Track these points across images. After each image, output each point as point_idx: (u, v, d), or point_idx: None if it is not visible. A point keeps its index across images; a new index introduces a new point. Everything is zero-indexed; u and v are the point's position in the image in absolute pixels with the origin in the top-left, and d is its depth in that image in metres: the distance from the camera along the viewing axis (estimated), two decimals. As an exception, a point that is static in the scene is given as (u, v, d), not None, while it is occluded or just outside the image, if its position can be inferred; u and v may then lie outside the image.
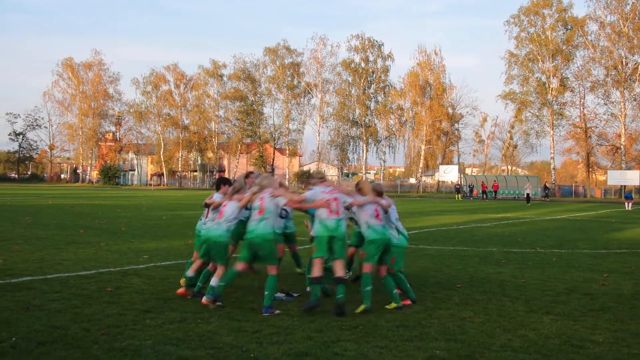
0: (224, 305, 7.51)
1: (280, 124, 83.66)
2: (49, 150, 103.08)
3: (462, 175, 73.05)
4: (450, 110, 79.62)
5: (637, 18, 63.95)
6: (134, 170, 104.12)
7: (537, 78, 71.20)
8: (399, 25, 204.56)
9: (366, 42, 78.14)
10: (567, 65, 70.17)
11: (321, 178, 8.30)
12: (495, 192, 60.89)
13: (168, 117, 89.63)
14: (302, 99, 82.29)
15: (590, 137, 70.66)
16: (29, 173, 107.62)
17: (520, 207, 40.46)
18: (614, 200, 61.40)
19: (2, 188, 61.36)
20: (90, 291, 8.27)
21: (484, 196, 60.44)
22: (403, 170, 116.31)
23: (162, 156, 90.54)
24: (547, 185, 63.49)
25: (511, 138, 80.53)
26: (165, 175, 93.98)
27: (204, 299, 7.50)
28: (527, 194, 45.76)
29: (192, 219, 19.20)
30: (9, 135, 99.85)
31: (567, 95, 71.04)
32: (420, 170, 79.92)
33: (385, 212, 7.97)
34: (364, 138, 79.05)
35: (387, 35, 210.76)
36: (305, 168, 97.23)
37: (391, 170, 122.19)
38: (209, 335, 6.16)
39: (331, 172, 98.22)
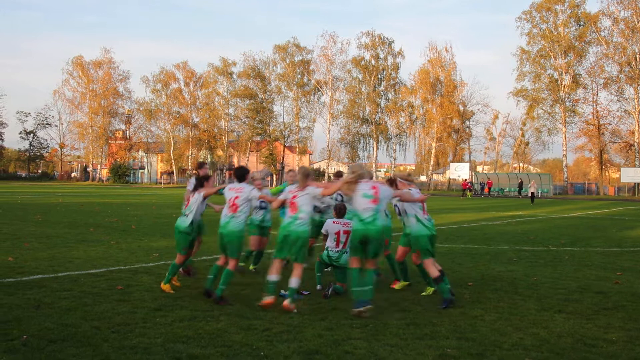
0: (232, 303, 7.52)
1: (290, 122, 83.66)
2: (59, 149, 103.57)
3: (473, 173, 72.80)
4: (461, 108, 79.32)
5: (650, 14, 63.38)
6: (144, 168, 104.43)
7: (549, 75, 70.77)
8: (409, 21, 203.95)
9: (376, 39, 77.96)
10: (580, 61, 69.65)
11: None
12: (490, 188, 60.91)
13: (178, 115, 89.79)
14: (312, 97, 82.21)
15: (603, 134, 70.13)
16: (40, 171, 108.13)
17: (526, 205, 40.14)
18: (628, 197, 60.93)
19: (13, 186, 61.84)
20: (100, 289, 8.29)
21: (462, 194, 58.78)
22: (414, 168, 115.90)
23: (172, 154, 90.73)
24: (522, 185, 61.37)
25: (523, 135, 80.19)
26: (175, 174, 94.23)
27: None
28: (532, 193, 44.17)
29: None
30: (20, 133, 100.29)
31: (579, 92, 70.59)
32: (431, 168, 79.69)
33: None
34: (374, 136, 78.89)
35: (398, 32, 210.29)
36: (316, 166, 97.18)
37: (402, 168, 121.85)
38: (219, 334, 6.16)
39: (341, 170, 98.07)
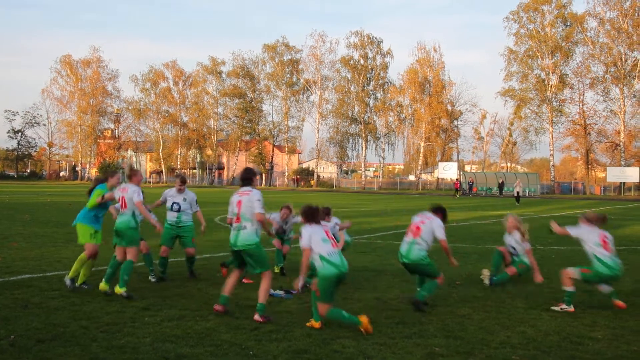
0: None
1: (279, 121, 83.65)
2: (47, 148, 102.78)
3: (461, 172, 73.08)
4: (449, 107, 79.58)
5: (636, 14, 63.89)
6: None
7: (536, 75, 71.18)
8: (398, 21, 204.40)
9: (365, 39, 78.06)
10: (567, 61, 70.14)
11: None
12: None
13: (167, 114, 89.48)
14: (301, 96, 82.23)
15: (589, 133, 70.63)
16: (28, 171, 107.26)
17: (512, 204, 40.34)
18: (613, 197, 61.42)
19: (0, 186, 61.31)
20: (89, 289, 8.26)
21: (455, 194, 58.66)
22: (402, 167, 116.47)
23: (161, 153, 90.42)
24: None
25: (510, 135, 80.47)
26: (164, 173, 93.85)
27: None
28: (517, 192, 43.85)
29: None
30: (8, 132, 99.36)
31: (566, 92, 71.10)
32: (419, 168, 79.89)
33: None
34: (363, 135, 78.99)
35: (387, 31, 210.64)
36: (305, 165, 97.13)
37: (390, 167, 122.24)
38: (208, 333, 6.16)
39: (330, 170, 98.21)
